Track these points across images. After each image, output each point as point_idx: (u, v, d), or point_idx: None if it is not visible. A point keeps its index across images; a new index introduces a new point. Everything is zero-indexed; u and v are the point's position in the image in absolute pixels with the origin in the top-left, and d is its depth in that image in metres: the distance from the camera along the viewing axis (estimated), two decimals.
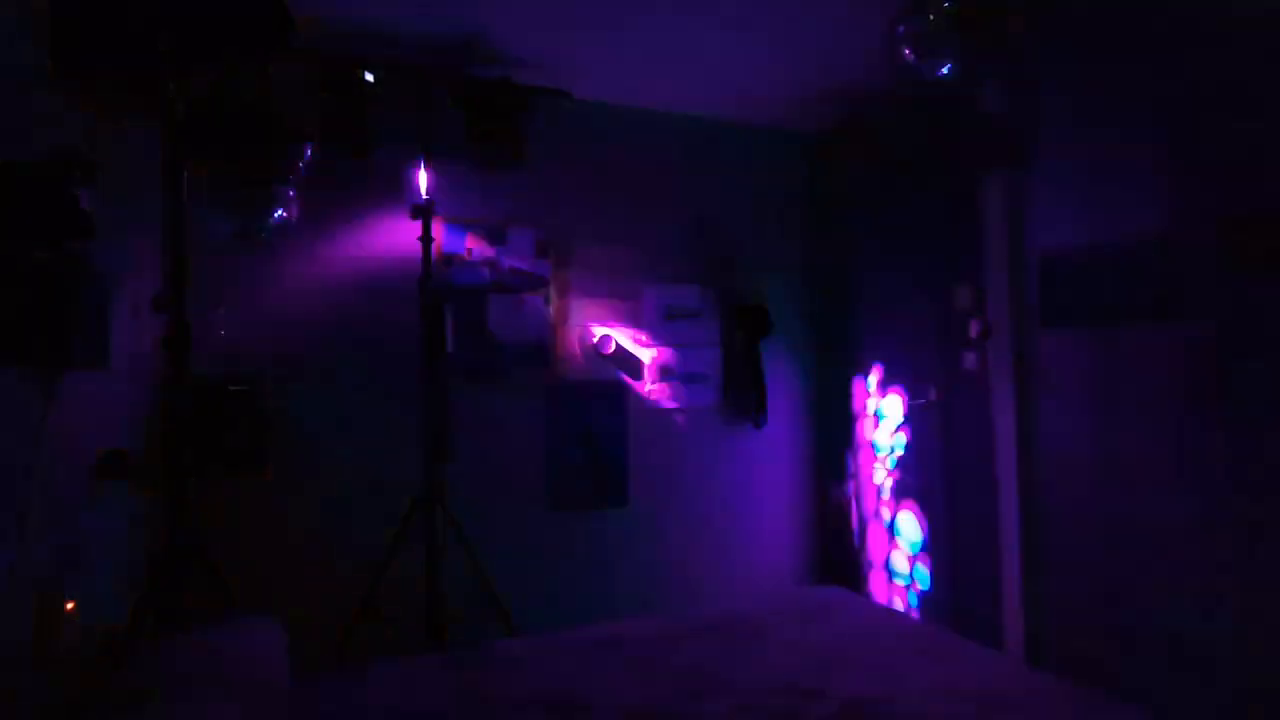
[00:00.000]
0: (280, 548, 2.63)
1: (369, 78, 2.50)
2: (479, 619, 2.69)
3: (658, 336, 3.36)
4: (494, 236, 3.05)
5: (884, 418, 3.25)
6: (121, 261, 1.89)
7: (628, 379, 3.28)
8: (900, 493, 3.15)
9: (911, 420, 3.08)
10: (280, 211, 2.47)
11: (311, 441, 2.71)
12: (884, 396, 3.25)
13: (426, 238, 2.63)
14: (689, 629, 1.96)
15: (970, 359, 2.77)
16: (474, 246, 3.02)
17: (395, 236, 2.85)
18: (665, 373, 3.37)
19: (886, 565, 3.22)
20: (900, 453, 3.15)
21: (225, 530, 2.52)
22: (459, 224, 2.99)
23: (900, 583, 3.13)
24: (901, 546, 3.13)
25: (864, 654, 1.74)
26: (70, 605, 1.47)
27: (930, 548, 2.98)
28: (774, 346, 3.56)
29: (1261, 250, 1.83)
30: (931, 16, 1.56)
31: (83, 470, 1.67)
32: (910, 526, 3.09)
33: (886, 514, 3.23)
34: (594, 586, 3.17)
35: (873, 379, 3.33)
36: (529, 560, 3.05)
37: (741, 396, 3.49)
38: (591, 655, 1.80)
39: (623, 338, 3.25)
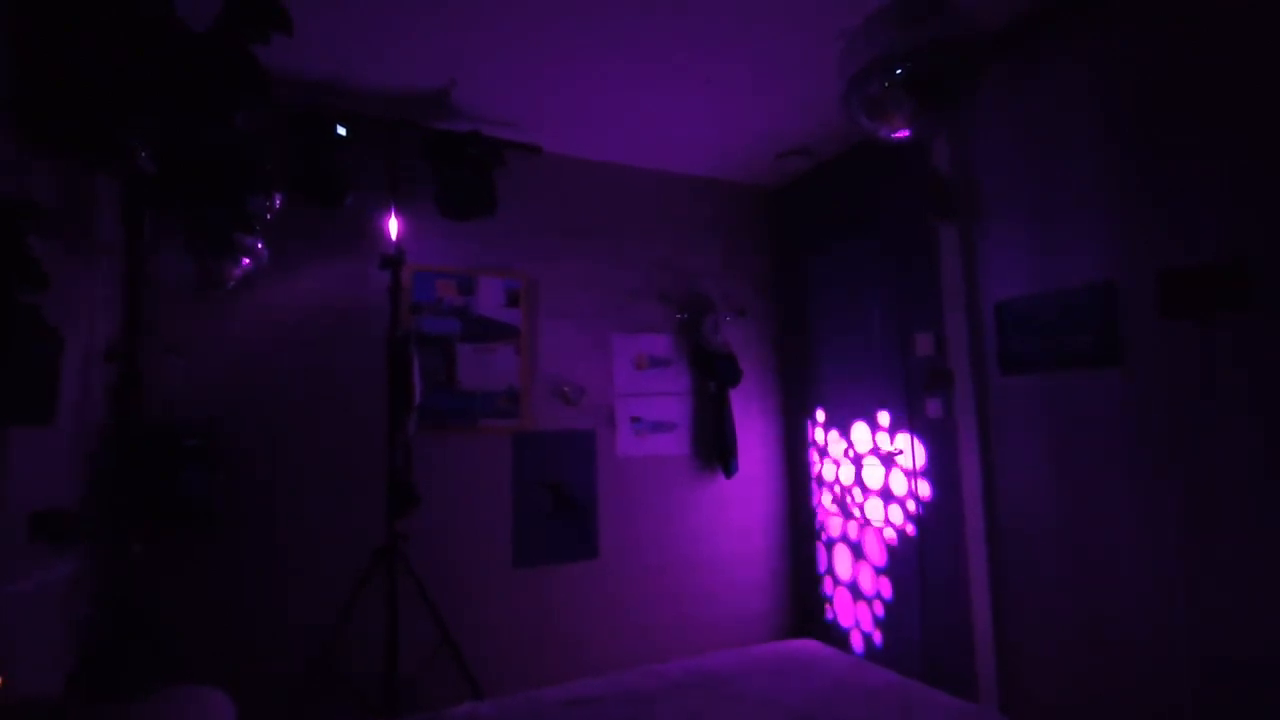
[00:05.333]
0: (233, 607, 2.51)
1: (341, 131, 2.52)
2: (442, 680, 2.58)
3: (628, 385, 3.36)
4: (464, 286, 3.06)
5: (855, 462, 3.27)
6: (75, 311, 1.84)
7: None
8: (871, 538, 3.15)
9: (885, 465, 3.11)
10: (245, 260, 2.45)
11: (270, 495, 2.62)
12: (856, 446, 3.28)
13: (396, 287, 2.62)
14: (663, 688, 1.91)
15: (934, 406, 2.83)
16: (444, 295, 3.02)
17: (364, 285, 2.84)
18: (635, 422, 3.36)
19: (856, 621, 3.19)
20: (876, 499, 3.16)
21: (175, 590, 2.41)
22: (429, 273, 2.99)
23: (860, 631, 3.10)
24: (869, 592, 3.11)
25: (839, 710, 1.71)
26: None
27: (896, 599, 2.97)
28: (744, 394, 3.59)
29: (1199, 300, 1.92)
30: (886, 84, 1.65)
31: (17, 530, 1.58)
32: (871, 576, 3.08)
33: (847, 564, 3.22)
34: (564, 642, 3.07)
35: (858, 428, 3.37)
36: (496, 616, 2.95)
37: (711, 445, 3.49)
38: (561, 717, 1.73)
39: None
